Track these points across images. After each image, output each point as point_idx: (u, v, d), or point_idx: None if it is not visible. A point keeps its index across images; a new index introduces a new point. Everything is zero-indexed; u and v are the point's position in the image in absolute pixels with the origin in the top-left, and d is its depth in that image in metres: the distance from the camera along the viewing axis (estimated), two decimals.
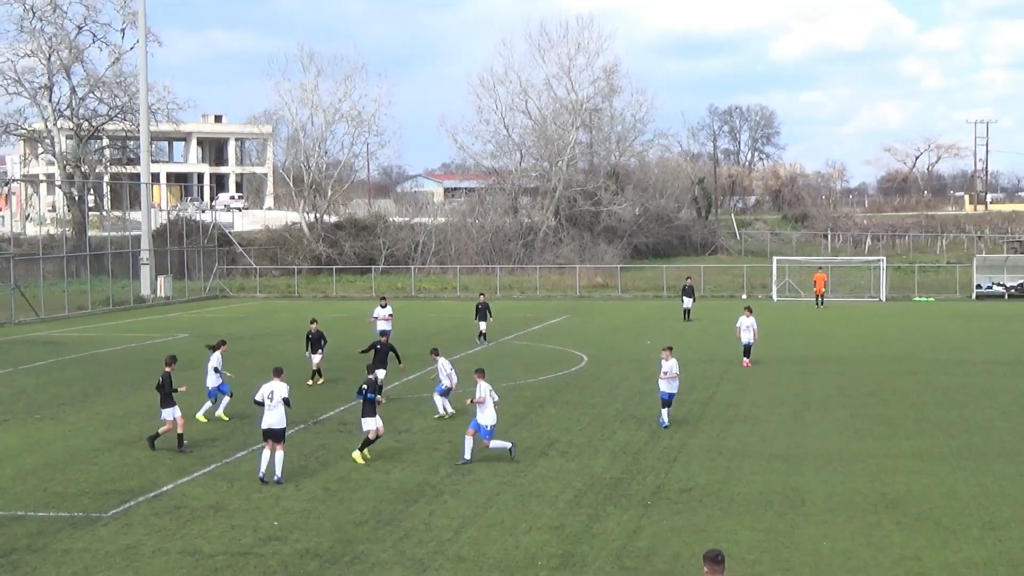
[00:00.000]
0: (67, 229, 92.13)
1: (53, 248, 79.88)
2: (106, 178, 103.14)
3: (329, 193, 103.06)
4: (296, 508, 22.11)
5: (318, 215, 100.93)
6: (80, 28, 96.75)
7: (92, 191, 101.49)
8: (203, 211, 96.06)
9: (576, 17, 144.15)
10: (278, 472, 23.95)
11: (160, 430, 27.56)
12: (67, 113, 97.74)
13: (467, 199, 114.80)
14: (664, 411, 29.98)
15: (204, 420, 31.06)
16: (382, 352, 34.16)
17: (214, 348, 32.36)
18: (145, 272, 78.23)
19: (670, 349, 30.19)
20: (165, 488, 23.64)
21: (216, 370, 31.58)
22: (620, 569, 18.44)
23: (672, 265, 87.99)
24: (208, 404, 31.59)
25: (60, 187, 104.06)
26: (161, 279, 78.60)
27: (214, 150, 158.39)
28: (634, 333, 54.19)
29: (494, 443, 25.67)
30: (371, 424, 25.75)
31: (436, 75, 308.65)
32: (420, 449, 26.71)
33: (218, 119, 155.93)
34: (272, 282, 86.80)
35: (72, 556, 19.21)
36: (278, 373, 24.88)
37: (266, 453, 24.18)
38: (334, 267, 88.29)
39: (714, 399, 34.54)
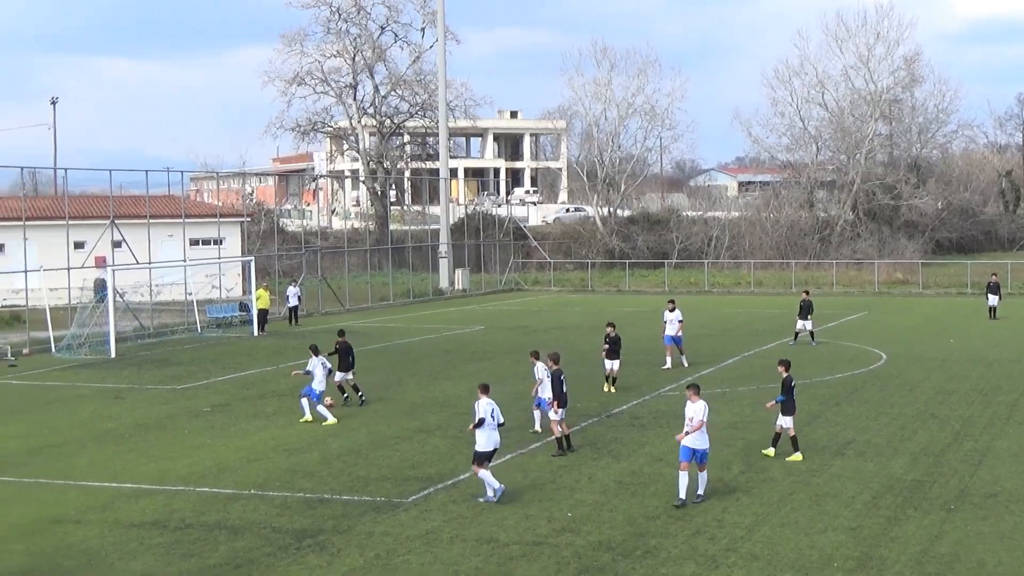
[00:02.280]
0: (370, 223, 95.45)
1: (357, 241, 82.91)
2: (407, 173, 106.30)
3: (622, 187, 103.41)
4: (589, 500, 22.27)
5: (611, 209, 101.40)
6: (382, 28, 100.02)
7: (394, 186, 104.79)
8: (499, 206, 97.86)
9: (875, 6, 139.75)
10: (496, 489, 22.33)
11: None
12: (370, 111, 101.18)
13: (761, 193, 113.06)
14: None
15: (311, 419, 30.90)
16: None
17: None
18: (443, 265, 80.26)
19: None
20: (462, 476, 24.18)
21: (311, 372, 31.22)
22: (920, 575, 17.84)
23: (976, 261, 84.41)
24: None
25: (364, 183, 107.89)
26: (459, 272, 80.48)
27: (510, 145, 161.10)
28: (936, 331, 52.34)
29: (483, 473, 22.34)
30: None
31: (730, 68, 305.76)
32: (713, 445, 26.43)
33: (514, 115, 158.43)
34: (566, 276, 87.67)
35: (375, 539, 19.89)
36: (485, 390, 23.13)
37: (485, 473, 22.37)
38: (627, 261, 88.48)
39: (1022, 400, 33.01)
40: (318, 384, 30.94)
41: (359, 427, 30.10)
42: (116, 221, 54.79)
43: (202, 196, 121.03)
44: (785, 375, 25.58)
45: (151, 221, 56.01)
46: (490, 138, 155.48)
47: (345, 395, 33.46)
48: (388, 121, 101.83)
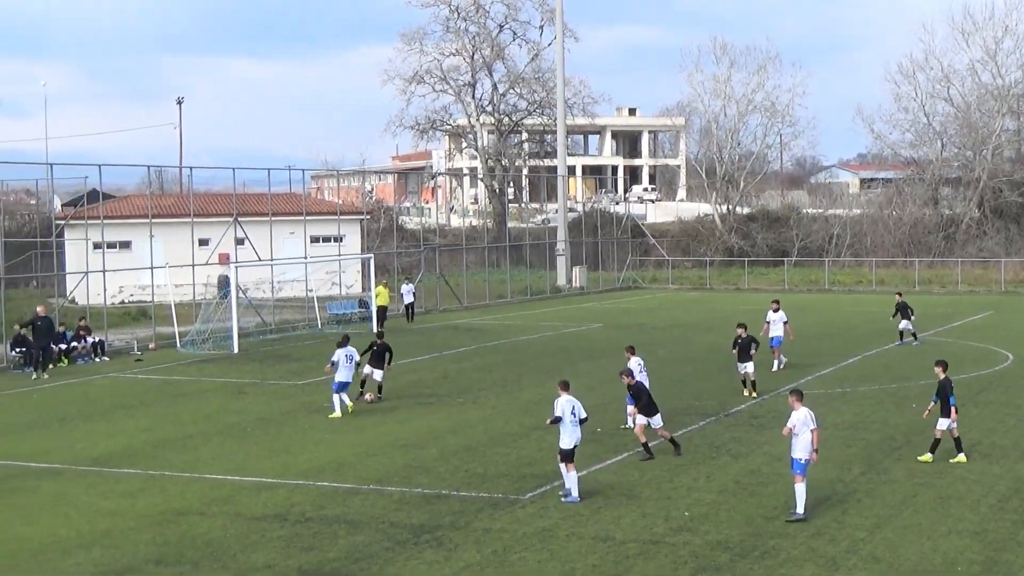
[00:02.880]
0: (488, 221, 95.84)
1: (475, 239, 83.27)
2: (524, 171, 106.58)
3: (741, 184, 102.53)
4: (707, 500, 22.12)
5: (730, 207, 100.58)
6: (501, 27, 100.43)
7: (512, 184, 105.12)
8: (617, 203, 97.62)
9: None
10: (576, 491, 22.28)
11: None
12: (489, 109, 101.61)
13: (884, 190, 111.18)
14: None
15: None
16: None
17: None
18: (561, 263, 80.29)
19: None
20: (579, 474, 24.10)
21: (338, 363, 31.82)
22: None
23: None
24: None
25: (482, 180, 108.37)
26: (576, 269, 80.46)
27: (628, 143, 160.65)
28: None
29: (571, 473, 22.24)
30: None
31: (852, 63, 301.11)
32: (832, 445, 26.08)
33: (632, 112, 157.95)
34: (684, 273, 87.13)
35: (492, 535, 19.97)
36: (565, 387, 22.95)
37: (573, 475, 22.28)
38: (746, 259, 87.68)
39: None
40: (342, 375, 31.63)
41: (476, 424, 30.25)
42: (239, 218, 55.72)
43: (323, 194, 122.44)
44: (943, 376, 24.99)
45: (273, 219, 56.84)
46: (608, 135, 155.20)
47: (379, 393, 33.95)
48: (506, 119, 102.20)
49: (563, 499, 22.12)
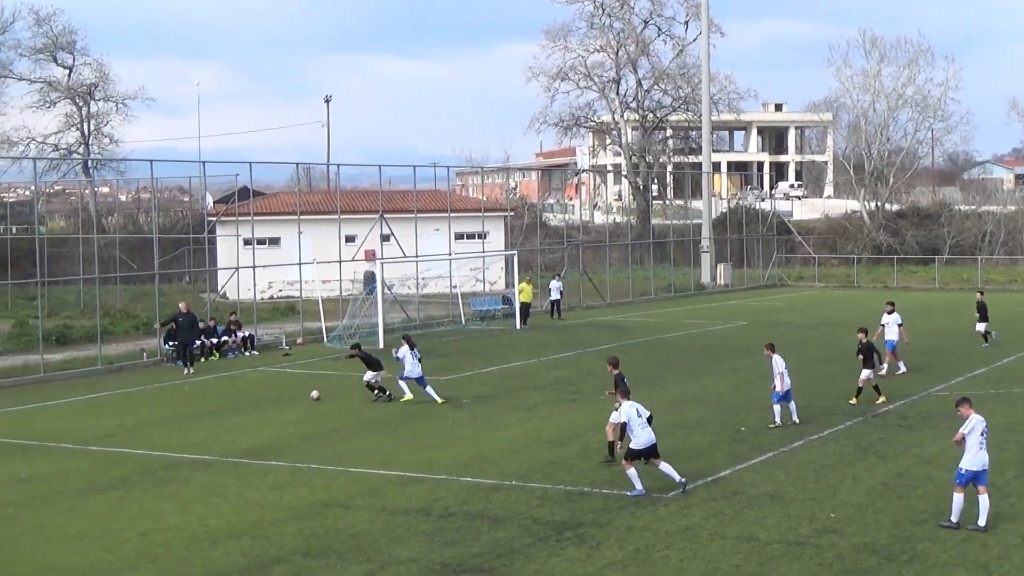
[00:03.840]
0: (632, 217, 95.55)
1: (618, 236, 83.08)
2: (669, 167, 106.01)
3: (891, 181, 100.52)
4: (853, 501, 21.76)
5: (879, 203, 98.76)
6: (646, 23, 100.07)
7: (656, 180, 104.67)
8: (762, 200, 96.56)
9: None
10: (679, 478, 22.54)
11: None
12: (633, 105, 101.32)
13: None
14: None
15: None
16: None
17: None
18: (705, 260, 79.73)
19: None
20: (723, 473, 23.99)
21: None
22: None
23: None
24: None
25: (626, 177, 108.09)
26: (721, 267, 79.82)
27: (774, 139, 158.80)
28: None
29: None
30: None
31: (1007, 56, 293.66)
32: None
33: (778, 108, 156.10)
34: (831, 271, 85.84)
35: (634, 533, 19.91)
36: (625, 395, 23.14)
37: (633, 471, 22.46)
38: (895, 257, 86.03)
39: None
40: (410, 370, 33.29)
41: None
42: (385, 215, 56.42)
43: (467, 191, 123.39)
44: None
45: (418, 215, 57.42)
46: (754, 131, 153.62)
47: (387, 392, 34.21)
48: (651, 115, 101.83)
49: (629, 494, 22.14)
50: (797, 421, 28.89)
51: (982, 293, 47.62)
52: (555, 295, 59.29)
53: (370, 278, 55.35)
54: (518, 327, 53.90)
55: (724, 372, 38.11)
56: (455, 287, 58.36)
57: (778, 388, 28.72)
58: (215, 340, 45.47)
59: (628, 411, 22.53)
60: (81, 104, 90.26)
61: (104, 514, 21.81)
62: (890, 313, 38.38)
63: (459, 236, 65.81)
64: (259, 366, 42.84)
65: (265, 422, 31.24)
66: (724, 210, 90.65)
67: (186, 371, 40.98)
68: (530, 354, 44.34)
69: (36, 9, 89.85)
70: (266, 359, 44.65)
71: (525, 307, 55.13)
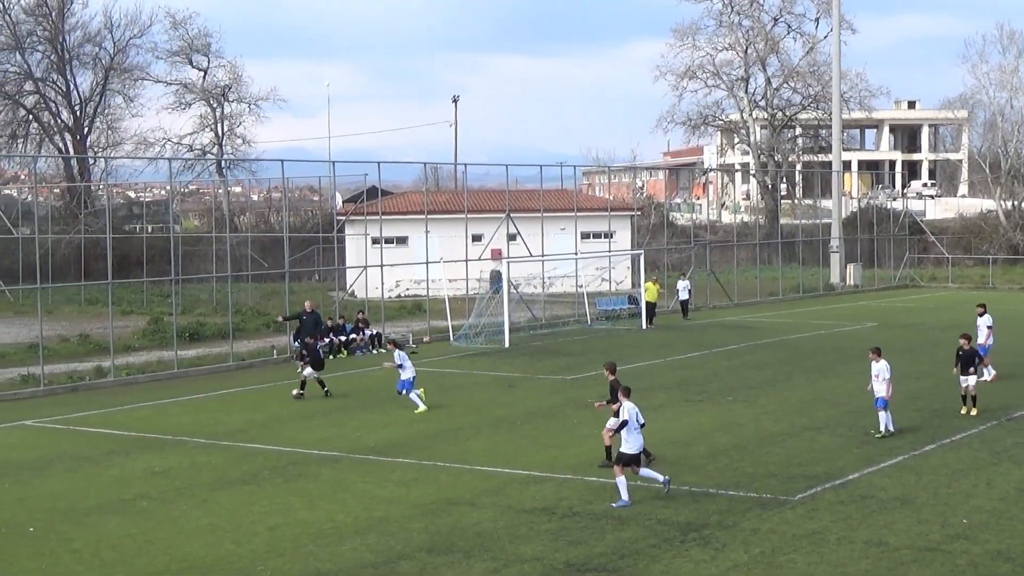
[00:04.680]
0: (760, 217, 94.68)
1: (746, 235, 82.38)
2: (798, 166, 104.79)
3: None
4: (987, 507, 21.27)
5: (1016, 202, 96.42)
6: (776, 20, 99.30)
7: (784, 179, 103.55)
8: (894, 199, 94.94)
9: None
10: (660, 476, 22.33)
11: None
12: (762, 104, 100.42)
13: None
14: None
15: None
16: None
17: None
18: (835, 260, 78.66)
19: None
20: (851, 476, 23.62)
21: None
22: None
23: None
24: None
25: (754, 176, 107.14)
26: (851, 267, 78.68)
27: (906, 137, 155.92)
28: None
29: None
30: None
31: None
32: None
33: (911, 105, 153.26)
34: (965, 272, 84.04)
35: (759, 536, 19.71)
36: (627, 394, 22.72)
37: (623, 480, 21.96)
38: None
39: None
40: (407, 373, 32.78)
41: (746, 423, 29.91)
42: (511, 215, 56.61)
43: (593, 190, 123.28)
44: None
45: (545, 215, 57.53)
46: (886, 129, 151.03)
47: (325, 389, 35.00)
48: (780, 114, 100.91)
49: (613, 506, 21.74)
50: (892, 430, 27.99)
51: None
52: (683, 295, 58.94)
53: (496, 277, 55.64)
54: (644, 327, 53.69)
55: (853, 373, 37.52)
56: (581, 286, 58.32)
57: (878, 393, 27.67)
58: (343, 338, 46.04)
59: (630, 412, 22.30)
60: (215, 105, 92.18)
61: (235, 508, 22.23)
62: (981, 316, 37.35)
63: (585, 235, 65.81)
64: (386, 363, 43.15)
65: (391, 420, 31.56)
66: (854, 209, 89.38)
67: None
68: (655, 354, 44.15)
69: (172, 12, 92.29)
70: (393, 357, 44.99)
71: (651, 307, 54.92)
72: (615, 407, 23.54)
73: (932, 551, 18.75)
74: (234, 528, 20.81)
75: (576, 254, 59.24)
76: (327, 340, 44.93)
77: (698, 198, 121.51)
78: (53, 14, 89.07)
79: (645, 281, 56.08)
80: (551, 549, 19.19)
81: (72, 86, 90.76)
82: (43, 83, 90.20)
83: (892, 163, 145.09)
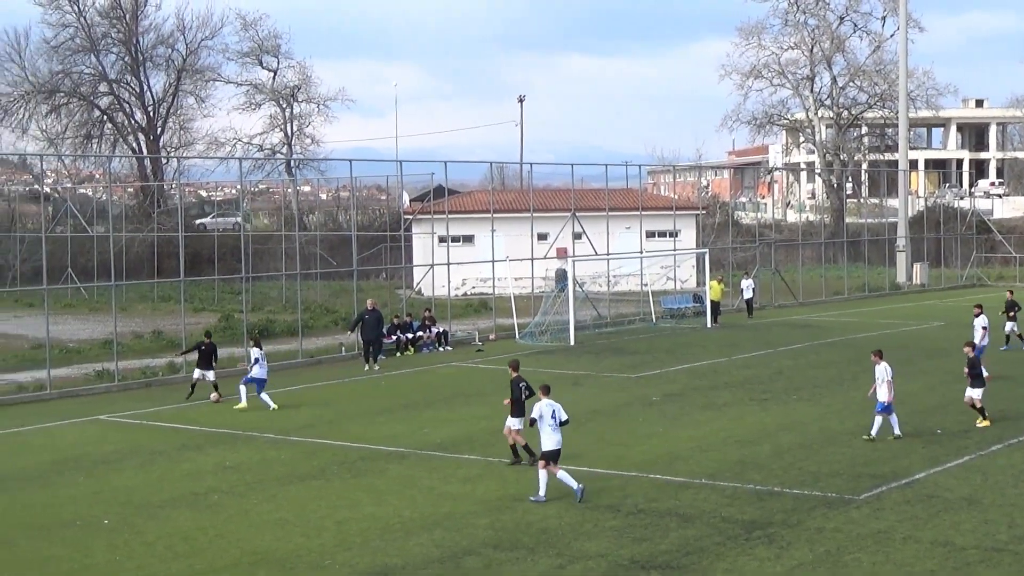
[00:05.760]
0: (825, 216, 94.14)
1: (811, 234, 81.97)
2: (864, 165, 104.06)
3: None
4: None
5: None
6: (841, 19, 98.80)
7: (850, 178, 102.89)
8: (961, 198, 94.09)
9: None
10: (576, 485, 22.25)
11: None
12: (827, 103, 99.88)
13: None
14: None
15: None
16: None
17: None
18: (901, 259, 78.09)
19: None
20: (917, 476, 23.61)
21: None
22: None
23: None
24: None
25: (819, 175, 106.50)
26: (917, 266, 78.08)
27: (974, 135, 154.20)
28: None
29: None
30: None
31: None
32: None
33: (979, 103, 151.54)
34: None
35: (825, 535, 19.78)
36: (546, 391, 22.92)
37: (544, 475, 22.27)
38: None
39: None
40: (258, 372, 33.30)
41: (811, 422, 29.92)
42: (577, 214, 56.78)
43: (659, 189, 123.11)
44: None
45: (610, 214, 57.62)
46: (953, 128, 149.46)
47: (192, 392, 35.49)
48: (845, 112, 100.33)
49: (531, 499, 22.06)
50: (899, 435, 27.62)
51: (1012, 292, 45.49)
52: (748, 294, 58.84)
53: (562, 275, 55.83)
54: (708, 325, 53.67)
55: (919, 373, 37.36)
56: (646, 285, 58.35)
57: (879, 397, 27.40)
58: (410, 336, 46.45)
59: (543, 409, 22.41)
60: (285, 106, 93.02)
61: (304, 502, 22.60)
62: (977, 316, 36.97)
63: (650, 234, 65.78)
64: (452, 361, 43.60)
65: (457, 416, 31.86)
66: (921, 209, 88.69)
67: (366, 367, 41.81)
68: (720, 352, 44.16)
69: (243, 14, 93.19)
70: (459, 355, 45.41)
71: (715, 305, 54.89)
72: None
73: (999, 551, 18.74)
74: (303, 522, 21.18)
75: (641, 253, 59.28)
76: (393, 338, 45.36)
77: (763, 197, 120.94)
78: (127, 16, 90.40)
79: (710, 280, 56.08)
80: (616, 546, 19.37)
81: (145, 87, 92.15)
82: (117, 84, 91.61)
83: (959, 162, 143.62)
